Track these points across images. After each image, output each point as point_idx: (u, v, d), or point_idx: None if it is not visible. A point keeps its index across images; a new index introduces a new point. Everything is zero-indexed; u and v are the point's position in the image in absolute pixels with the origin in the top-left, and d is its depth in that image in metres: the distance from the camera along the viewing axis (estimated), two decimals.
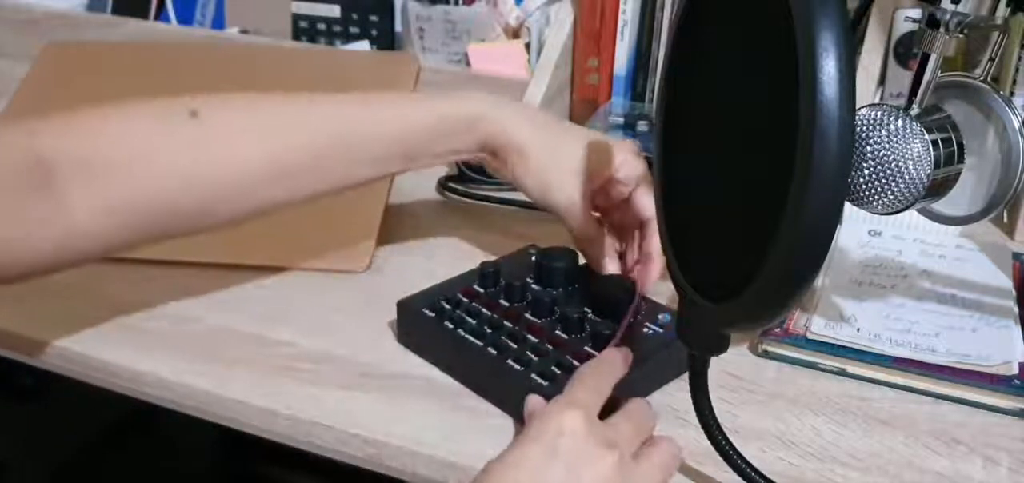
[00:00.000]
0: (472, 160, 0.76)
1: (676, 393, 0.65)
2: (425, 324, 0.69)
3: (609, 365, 0.61)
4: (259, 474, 1.22)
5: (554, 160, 0.74)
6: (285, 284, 0.78)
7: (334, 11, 1.27)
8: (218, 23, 1.37)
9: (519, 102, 0.75)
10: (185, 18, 1.37)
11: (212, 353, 0.70)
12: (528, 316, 0.69)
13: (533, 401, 0.60)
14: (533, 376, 0.63)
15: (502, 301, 0.70)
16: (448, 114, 0.72)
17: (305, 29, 1.29)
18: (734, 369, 0.68)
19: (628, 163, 0.74)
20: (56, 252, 0.61)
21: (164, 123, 0.63)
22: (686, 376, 0.57)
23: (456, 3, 1.20)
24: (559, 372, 0.63)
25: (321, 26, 1.28)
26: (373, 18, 1.27)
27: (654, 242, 0.72)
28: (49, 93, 1.02)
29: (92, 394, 0.73)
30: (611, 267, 0.73)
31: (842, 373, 0.68)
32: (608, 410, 0.59)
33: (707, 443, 0.57)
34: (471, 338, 0.67)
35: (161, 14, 1.38)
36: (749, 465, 0.56)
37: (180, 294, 0.76)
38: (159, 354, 0.70)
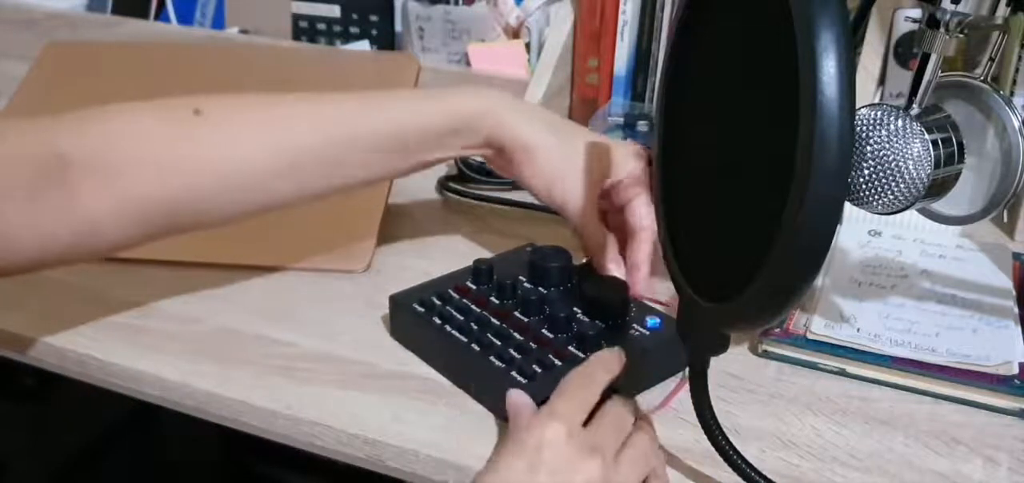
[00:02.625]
0: (474, 157, 0.76)
1: (672, 391, 0.65)
2: (415, 319, 0.70)
3: (594, 373, 0.60)
4: (259, 474, 1.22)
5: (561, 160, 0.74)
6: (285, 284, 0.78)
7: (334, 11, 1.27)
8: (218, 23, 1.37)
9: (525, 100, 0.74)
10: (185, 18, 1.37)
11: (212, 353, 0.70)
12: (517, 314, 0.69)
13: (514, 397, 0.60)
14: (513, 374, 0.63)
15: (493, 298, 0.70)
16: (457, 110, 0.72)
17: (305, 29, 1.29)
18: (734, 369, 0.68)
19: (629, 167, 0.74)
20: (70, 243, 0.63)
21: (169, 122, 0.65)
22: (681, 375, 0.57)
23: (456, 3, 1.20)
24: (540, 371, 0.63)
25: (321, 26, 1.28)
26: (373, 18, 1.27)
27: (642, 251, 0.72)
28: (49, 93, 1.02)
29: (92, 394, 0.73)
30: (615, 270, 0.73)
31: (842, 373, 0.68)
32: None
33: (707, 443, 0.57)
34: (457, 334, 0.67)
35: (161, 14, 1.38)
36: (749, 465, 0.57)
37: (180, 294, 0.76)
38: (159, 354, 0.70)
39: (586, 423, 0.57)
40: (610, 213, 0.76)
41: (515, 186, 0.93)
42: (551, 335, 0.67)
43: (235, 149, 0.65)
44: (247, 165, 0.66)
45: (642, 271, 0.72)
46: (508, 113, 0.73)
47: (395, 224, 0.86)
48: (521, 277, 0.73)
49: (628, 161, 0.74)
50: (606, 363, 0.61)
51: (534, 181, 0.74)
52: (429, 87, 1.05)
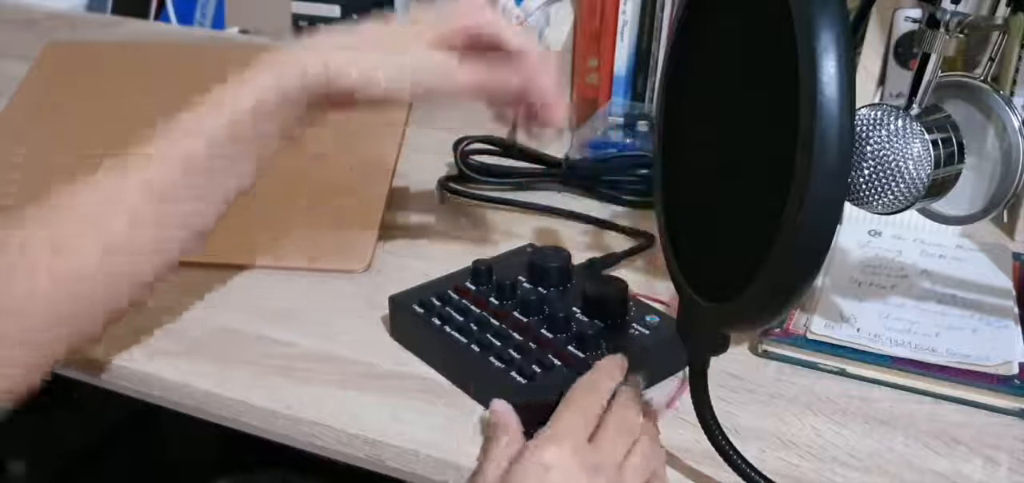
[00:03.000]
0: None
1: (673, 391, 0.65)
2: (415, 320, 0.70)
3: (599, 382, 0.59)
4: (259, 474, 1.22)
5: (395, 47, 0.66)
6: (285, 284, 0.78)
7: (334, 11, 1.27)
8: (218, 23, 1.37)
9: (318, 36, 0.66)
10: (185, 18, 1.37)
11: (213, 353, 0.70)
12: (516, 314, 0.69)
13: (498, 407, 0.59)
14: (513, 374, 0.63)
15: (492, 299, 0.70)
16: (256, 97, 0.64)
17: (305, 29, 1.29)
18: (734, 369, 0.68)
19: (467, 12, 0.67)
20: None
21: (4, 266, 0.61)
22: (682, 374, 0.57)
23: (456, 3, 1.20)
24: (539, 371, 0.63)
25: (321, 26, 1.28)
26: None
27: (544, 76, 0.67)
28: (49, 93, 1.02)
29: (92, 394, 0.73)
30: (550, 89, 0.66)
31: (842, 373, 0.68)
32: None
33: (707, 443, 0.57)
34: (456, 334, 0.67)
35: (161, 14, 1.38)
36: (749, 465, 0.57)
37: (181, 294, 0.76)
38: (160, 354, 0.70)
39: (594, 431, 0.56)
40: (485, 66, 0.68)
41: (515, 186, 0.93)
42: (550, 335, 0.67)
43: (68, 269, 0.61)
44: (82, 283, 0.62)
45: (556, 94, 0.67)
46: (313, 56, 0.65)
47: (395, 224, 0.86)
48: (520, 277, 0.73)
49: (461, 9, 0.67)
50: (610, 371, 0.61)
51: (386, 88, 0.65)
52: None
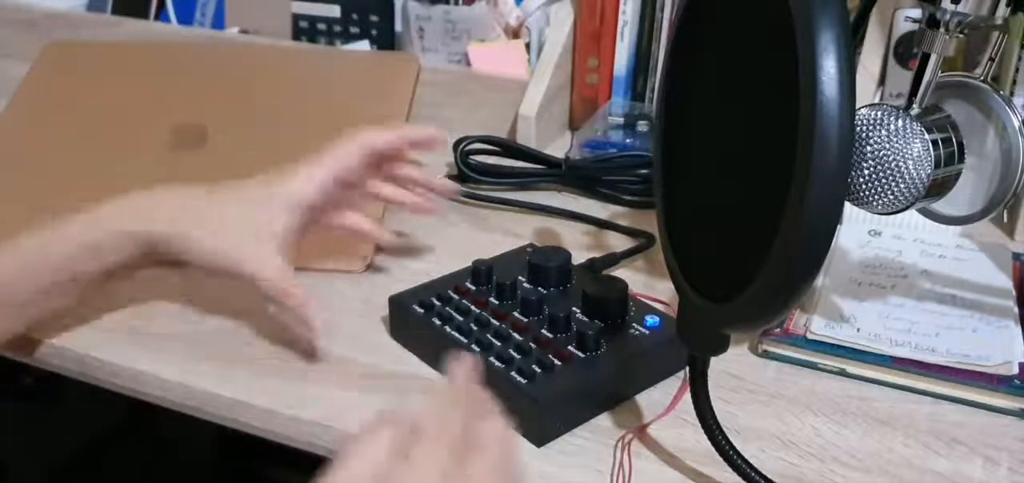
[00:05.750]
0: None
1: (674, 391, 0.65)
2: (414, 320, 0.70)
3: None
4: (259, 474, 1.22)
5: (227, 229, 0.69)
6: None
7: (334, 11, 1.27)
8: (218, 23, 1.37)
9: (169, 189, 0.70)
10: (185, 18, 1.37)
11: (212, 353, 0.70)
12: (516, 314, 0.69)
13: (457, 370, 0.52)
14: (513, 374, 0.63)
15: (492, 299, 0.70)
16: (96, 232, 0.67)
17: (305, 29, 1.29)
18: (734, 369, 0.68)
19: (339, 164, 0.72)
20: None
21: None
22: (681, 374, 0.57)
23: (456, 3, 1.20)
24: (540, 371, 0.63)
25: (321, 26, 1.28)
26: (373, 18, 1.27)
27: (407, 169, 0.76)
28: (49, 93, 1.02)
29: (92, 394, 0.73)
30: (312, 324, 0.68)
31: (842, 373, 0.68)
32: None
33: (707, 443, 0.57)
34: (456, 334, 0.67)
35: (161, 14, 1.38)
36: (749, 465, 0.57)
37: (180, 294, 0.76)
38: (159, 354, 0.70)
39: None
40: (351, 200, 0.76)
41: (515, 186, 0.93)
42: (550, 335, 0.67)
43: None
44: None
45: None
46: (157, 216, 0.68)
47: (395, 224, 0.86)
48: (521, 277, 0.73)
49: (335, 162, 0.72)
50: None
51: (206, 262, 0.68)
52: (429, 87, 1.05)
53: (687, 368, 0.58)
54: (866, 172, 0.62)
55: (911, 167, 0.62)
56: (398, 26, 1.27)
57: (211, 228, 0.68)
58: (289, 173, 0.71)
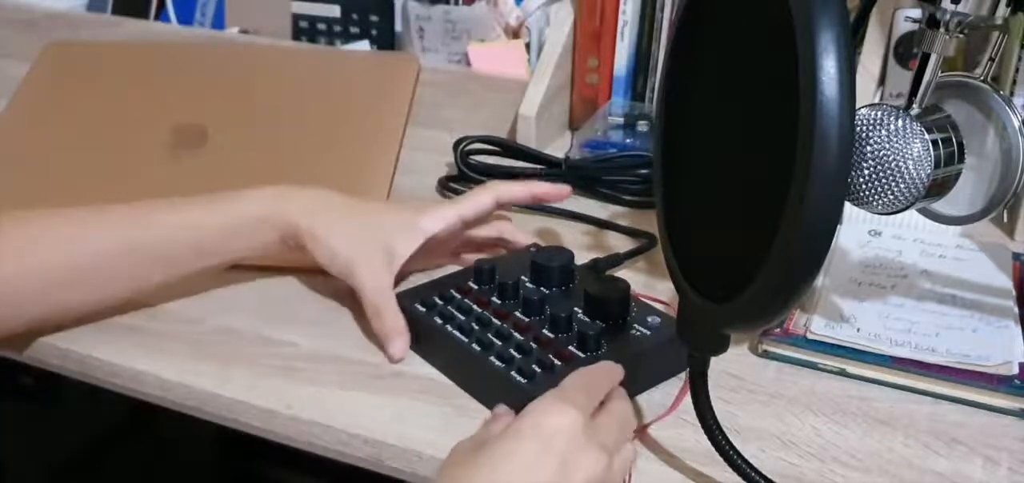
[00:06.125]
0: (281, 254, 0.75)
1: (675, 392, 0.65)
2: (416, 319, 0.70)
3: (604, 374, 0.61)
4: (259, 474, 1.22)
5: (351, 236, 0.72)
6: (285, 284, 0.78)
7: (334, 11, 1.27)
8: (218, 23, 1.37)
9: (314, 189, 0.74)
10: (185, 18, 1.37)
11: (212, 353, 0.70)
12: (518, 314, 0.69)
13: (500, 411, 0.62)
14: (513, 374, 0.63)
15: (494, 299, 0.70)
16: (237, 216, 0.72)
17: (305, 29, 1.29)
18: (734, 369, 0.68)
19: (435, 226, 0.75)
20: None
21: None
22: (682, 375, 0.57)
23: (456, 3, 1.20)
24: (540, 371, 0.63)
25: (321, 26, 1.28)
26: (373, 18, 1.26)
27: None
28: (49, 93, 1.02)
29: (92, 394, 0.73)
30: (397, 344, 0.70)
31: (842, 373, 0.68)
32: None
33: (707, 443, 0.57)
34: (458, 334, 0.67)
35: (161, 14, 1.38)
36: (749, 465, 0.57)
37: (180, 294, 0.75)
38: (159, 354, 0.70)
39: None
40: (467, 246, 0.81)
41: None
42: (552, 335, 0.67)
43: (22, 264, 0.68)
44: (33, 279, 0.68)
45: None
46: (288, 209, 0.72)
47: None
48: (523, 277, 0.73)
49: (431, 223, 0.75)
50: (610, 373, 0.61)
51: (326, 263, 0.72)
52: (429, 87, 1.05)
53: (687, 368, 0.58)
54: (866, 172, 0.62)
55: (911, 167, 0.62)
56: (398, 26, 1.27)
57: (340, 232, 0.72)
58: (427, 207, 0.77)
